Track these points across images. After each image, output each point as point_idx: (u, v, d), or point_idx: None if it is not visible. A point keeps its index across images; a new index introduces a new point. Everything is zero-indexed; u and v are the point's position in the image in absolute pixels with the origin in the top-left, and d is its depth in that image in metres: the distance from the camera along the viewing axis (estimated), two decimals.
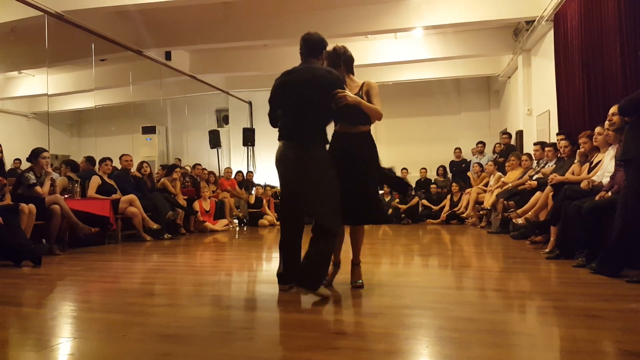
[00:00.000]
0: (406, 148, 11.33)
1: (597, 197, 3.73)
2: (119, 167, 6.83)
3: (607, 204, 3.50)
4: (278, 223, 8.99)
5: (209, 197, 8.02)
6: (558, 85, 6.41)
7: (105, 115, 12.12)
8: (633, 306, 2.47)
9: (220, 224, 7.98)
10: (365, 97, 2.86)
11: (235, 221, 9.04)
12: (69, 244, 5.33)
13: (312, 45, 2.81)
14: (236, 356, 1.81)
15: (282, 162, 2.80)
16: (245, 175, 10.48)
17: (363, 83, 2.93)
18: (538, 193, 4.95)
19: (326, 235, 2.65)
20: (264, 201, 9.17)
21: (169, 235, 6.54)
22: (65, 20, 6.94)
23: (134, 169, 6.98)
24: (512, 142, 8.79)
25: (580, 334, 2.02)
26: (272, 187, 10.35)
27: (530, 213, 4.91)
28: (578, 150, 4.62)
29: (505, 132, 9.27)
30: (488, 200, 7.05)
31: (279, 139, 2.85)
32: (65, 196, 5.42)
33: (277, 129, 2.90)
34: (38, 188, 4.94)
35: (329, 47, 2.91)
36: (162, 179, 7.36)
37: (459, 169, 9.90)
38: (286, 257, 2.82)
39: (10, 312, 2.65)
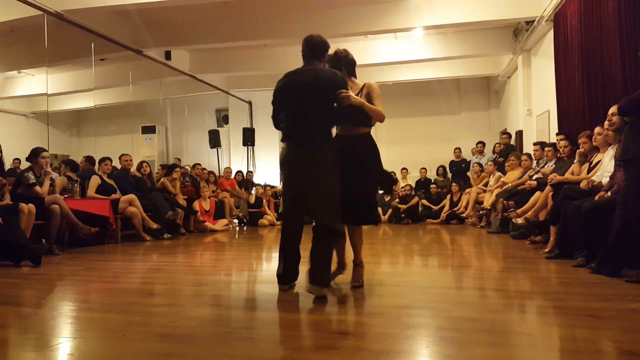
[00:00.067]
0: (406, 148, 11.34)
1: (596, 197, 3.73)
2: (119, 166, 6.83)
3: (607, 203, 3.50)
4: (278, 223, 9.03)
5: (209, 197, 8.01)
6: (558, 85, 6.42)
7: (105, 114, 12.13)
8: (633, 306, 2.47)
9: (220, 223, 7.98)
10: (366, 99, 2.85)
11: (235, 221, 9.03)
12: (69, 244, 5.33)
13: (314, 47, 2.79)
14: (236, 356, 1.81)
15: (286, 163, 2.79)
16: (245, 175, 10.48)
17: (364, 85, 2.92)
18: (538, 193, 4.95)
19: (327, 234, 2.65)
20: (264, 201, 9.17)
21: (169, 235, 6.54)
22: (64, 19, 6.94)
23: (133, 169, 6.98)
24: (512, 142, 8.79)
25: (580, 333, 2.02)
26: (272, 187, 10.36)
27: (529, 213, 4.91)
28: (578, 150, 4.63)
29: (505, 132, 9.28)
30: (488, 200, 7.06)
31: (282, 140, 2.84)
32: (65, 196, 5.42)
33: (278, 130, 2.89)
34: (37, 188, 4.94)
35: (330, 51, 2.90)
36: (161, 179, 7.36)
37: (459, 169, 9.91)
38: (286, 257, 2.82)
39: (10, 312, 2.65)
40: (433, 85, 11.15)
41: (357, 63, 3.09)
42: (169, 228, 6.71)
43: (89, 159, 6.64)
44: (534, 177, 5.58)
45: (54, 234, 4.86)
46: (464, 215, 8.20)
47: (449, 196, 9.10)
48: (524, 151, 7.53)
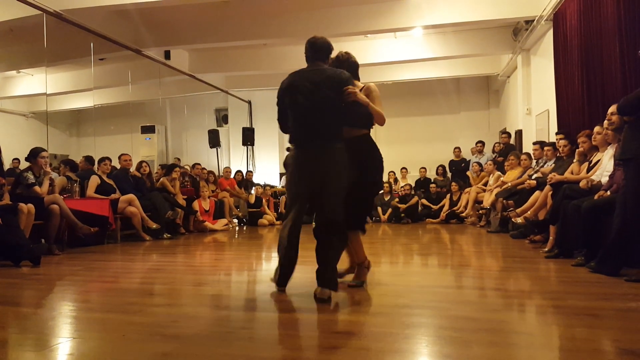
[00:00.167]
0: (406, 147, 11.35)
1: (596, 197, 3.73)
2: (118, 166, 6.82)
3: (606, 203, 3.50)
4: (278, 223, 9.03)
5: (209, 197, 8.01)
6: (557, 84, 6.42)
7: (104, 114, 12.12)
8: (632, 305, 2.47)
9: (220, 223, 7.97)
10: None
11: (235, 221, 9.03)
12: (68, 244, 5.33)
13: (318, 48, 2.77)
14: (236, 356, 1.81)
15: (297, 163, 2.73)
16: (244, 174, 10.48)
17: (363, 86, 2.90)
18: (537, 192, 4.96)
19: (333, 234, 2.65)
20: (264, 201, 9.17)
21: (169, 235, 6.53)
22: (64, 19, 6.93)
23: (133, 169, 6.97)
24: (512, 141, 8.80)
25: (579, 332, 2.02)
26: (272, 187, 10.36)
27: (529, 212, 4.91)
28: (577, 150, 4.63)
29: (504, 132, 9.28)
30: (487, 199, 7.06)
31: (290, 142, 2.78)
32: (64, 196, 5.42)
33: (285, 133, 2.85)
34: (37, 188, 4.94)
35: (332, 54, 2.89)
36: (161, 179, 7.35)
37: (459, 169, 9.91)
38: (287, 257, 2.79)
39: (9, 312, 2.65)
40: (433, 85, 11.15)
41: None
42: (169, 228, 6.71)
43: (89, 159, 6.64)
44: (533, 177, 5.59)
45: (53, 234, 4.85)
46: (463, 214, 8.20)
47: (448, 196, 9.10)
48: (524, 150, 7.53)
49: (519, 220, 5.04)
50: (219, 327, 2.21)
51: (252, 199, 9.13)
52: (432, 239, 6.45)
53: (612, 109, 3.62)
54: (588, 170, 4.28)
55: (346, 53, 3.00)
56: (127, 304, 2.68)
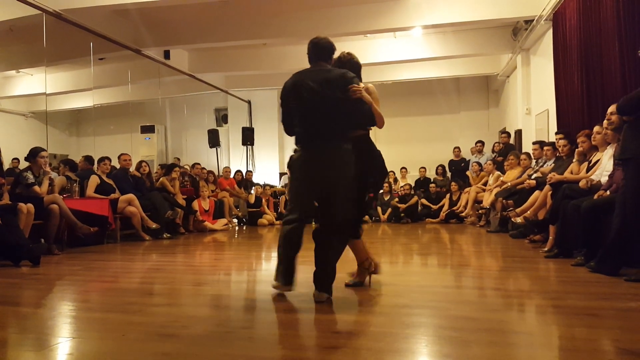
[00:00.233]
0: (405, 147, 11.34)
1: (595, 196, 3.73)
2: (118, 166, 6.82)
3: (606, 202, 3.50)
4: (277, 222, 9.03)
5: (208, 197, 8.01)
6: (557, 84, 6.42)
7: (104, 114, 12.11)
8: (632, 305, 2.47)
9: (220, 223, 7.97)
10: None
11: (235, 220, 9.03)
12: (68, 244, 5.32)
13: (321, 48, 2.75)
14: (236, 356, 1.81)
15: (305, 164, 2.68)
16: (244, 174, 10.48)
17: (363, 87, 2.90)
18: (537, 192, 4.96)
19: (336, 236, 2.64)
20: (263, 200, 9.17)
21: (168, 235, 6.53)
22: (63, 19, 6.92)
23: (132, 169, 6.97)
24: (511, 141, 8.80)
25: (579, 332, 2.03)
26: (272, 187, 10.35)
27: (529, 212, 4.91)
28: (577, 150, 4.63)
29: (504, 131, 9.28)
30: (487, 199, 7.06)
31: (297, 144, 2.74)
32: (64, 196, 5.42)
33: (290, 135, 2.82)
34: (36, 187, 4.93)
35: (334, 55, 2.88)
36: (161, 179, 7.35)
37: (458, 168, 9.91)
38: (290, 259, 2.73)
39: (9, 311, 2.65)
40: (432, 85, 11.15)
41: None
42: (168, 228, 6.71)
43: (88, 159, 6.64)
44: (533, 176, 5.59)
45: (53, 234, 4.85)
46: (463, 214, 8.21)
47: (448, 195, 9.10)
48: (523, 150, 7.53)
49: (519, 220, 5.04)
50: (218, 327, 2.21)
51: (252, 199, 9.13)
52: (431, 238, 6.45)
53: (612, 108, 3.62)
54: (588, 170, 4.29)
55: (348, 54, 2.98)
56: (126, 304, 2.68)
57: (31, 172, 5.02)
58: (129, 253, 5.16)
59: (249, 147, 11.86)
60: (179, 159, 11.51)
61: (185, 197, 7.45)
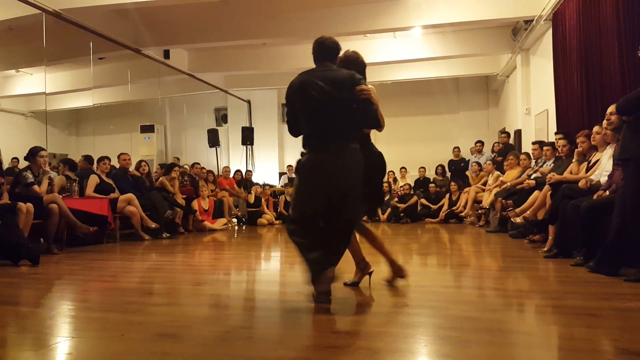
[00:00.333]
0: (405, 147, 11.34)
1: (595, 196, 3.74)
2: (117, 166, 6.82)
3: (605, 203, 3.50)
4: (277, 222, 9.04)
5: (208, 196, 8.00)
6: (556, 84, 6.42)
7: (104, 114, 12.10)
8: (631, 305, 2.47)
9: (219, 223, 7.97)
10: None
11: (234, 220, 9.03)
12: (67, 243, 5.32)
13: (327, 48, 2.72)
14: (235, 355, 1.81)
15: (315, 167, 2.62)
16: (244, 174, 10.47)
17: None
18: (536, 192, 4.96)
19: (340, 237, 2.64)
20: (263, 200, 9.17)
21: (168, 235, 6.53)
22: (63, 18, 6.92)
23: (132, 168, 6.97)
24: (511, 141, 8.80)
25: (578, 332, 2.03)
26: (271, 186, 10.35)
27: (528, 212, 4.91)
28: (576, 150, 4.63)
29: (503, 132, 9.28)
30: (486, 199, 7.06)
31: (305, 146, 2.70)
32: (63, 195, 5.41)
33: (296, 137, 2.79)
34: (36, 187, 4.93)
35: (340, 54, 2.86)
36: (160, 178, 7.35)
37: (458, 168, 9.92)
38: (314, 257, 2.60)
39: (8, 311, 2.64)
40: (432, 85, 11.15)
41: None
42: (168, 227, 6.70)
43: (88, 158, 6.63)
44: (532, 177, 5.59)
45: (52, 233, 4.85)
46: (462, 214, 8.21)
47: (447, 195, 9.10)
48: (523, 150, 7.54)
49: (518, 220, 5.04)
50: (218, 326, 2.21)
51: (251, 199, 9.13)
52: (431, 238, 6.45)
53: (611, 108, 3.62)
54: (587, 170, 4.29)
55: (354, 52, 2.97)
56: (126, 304, 2.68)
57: (31, 172, 5.01)
58: (128, 253, 5.16)
59: (249, 146, 11.86)
60: (178, 159, 11.51)
61: (184, 196, 7.44)
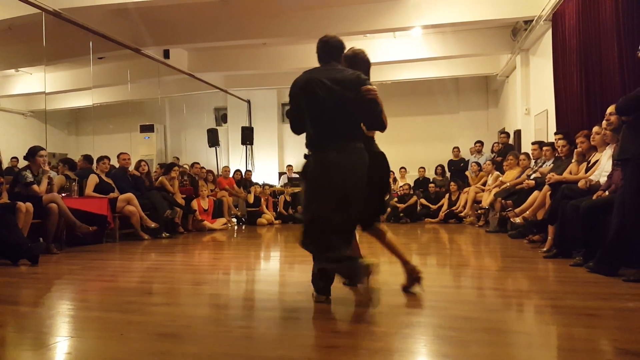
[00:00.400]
0: (405, 147, 11.32)
1: (594, 197, 3.74)
2: (117, 165, 6.81)
3: (605, 203, 3.51)
4: (277, 222, 9.04)
5: (207, 196, 8.00)
6: (556, 84, 6.42)
7: (103, 113, 12.10)
8: (630, 305, 2.47)
9: (219, 222, 7.97)
10: None
11: (234, 220, 9.03)
12: (67, 243, 5.32)
13: (331, 47, 2.70)
14: (235, 355, 1.81)
15: (322, 168, 2.59)
16: (243, 174, 10.47)
17: None
18: (536, 192, 4.96)
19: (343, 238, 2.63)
20: (263, 200, 9.17)
21: (167, 234, 6.53)
22: (63, 18, 6.92)
23: (131, 168, 6.96)
24: (510, 141, 8.80)
25: (577, 332, 2.03)
26: (271, 186, 10.35)
27: (528, 212, 4.91)
28: (576, 150, 4.63)
29: (503, 132, 9.28)
30: (486, 199, 7.06)
31: (309, 146, 2.67)
32: (63, 195, 5.41)
33: (298, 135, 2.78)
34: (35, 186, 4.93)
35: (346, 51, 2.86)
36: (160, 178, 7.35)
37: (457, 168, 9.92)
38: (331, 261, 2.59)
39: (7, 311, 2.64)
40: (432, 85, 11.15)
41: None
42: (167, 227, 6.70)
43: (87, 158, 6.63)
44: (532, 177, 5.59)
45: (51, 233, 4.84)
46: (462, 214, 8.21)
47: (447, 195, 9.10)
48: (522, 150, 7.54)
49: (518, 220, 5.04)
50: (217, 326, 2.21)
51: (251, 199, 9.13)
52: (430, 238, 6.45)
53: (611, 109, 3.63)
54: (586, 171, 4.29)
55: (361, 50, 2.97)
56: (125, 303, 2.68)
57: (30, 171, 5.01)
58: (127, 252, 5.16)
59: (248, 146, 11.86)
60: (178, 158, 11.51)
61: (184, 196, 7.44)
